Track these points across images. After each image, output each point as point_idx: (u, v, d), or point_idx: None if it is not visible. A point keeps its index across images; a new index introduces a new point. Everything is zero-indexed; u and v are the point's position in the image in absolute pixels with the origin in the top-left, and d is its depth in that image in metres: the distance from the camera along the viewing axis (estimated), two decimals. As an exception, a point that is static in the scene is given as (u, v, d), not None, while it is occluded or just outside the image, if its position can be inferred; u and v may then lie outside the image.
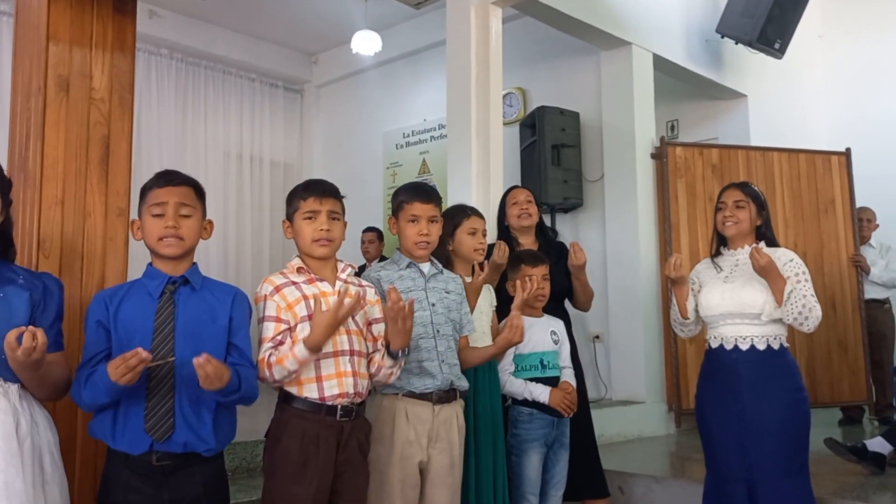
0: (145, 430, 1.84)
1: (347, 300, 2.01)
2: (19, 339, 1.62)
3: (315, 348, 2.03)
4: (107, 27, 2.69)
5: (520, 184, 5.61)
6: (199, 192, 2.05)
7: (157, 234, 1.95)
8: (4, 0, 5.42)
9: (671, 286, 2.95)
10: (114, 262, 2.61)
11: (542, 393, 2.83)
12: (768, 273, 2.68)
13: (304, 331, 2.12)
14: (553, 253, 3.33)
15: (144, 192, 2.02)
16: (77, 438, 2.23)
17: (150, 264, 2.02)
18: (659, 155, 5.35)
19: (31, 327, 1.63)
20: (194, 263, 2.04)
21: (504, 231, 3.43)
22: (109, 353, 1.87)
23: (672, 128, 6.32)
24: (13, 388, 1.73)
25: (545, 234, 3.52)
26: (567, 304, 3.44)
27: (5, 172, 1.84)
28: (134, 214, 2.67)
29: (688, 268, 2.89)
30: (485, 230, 2.86)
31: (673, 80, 5.84)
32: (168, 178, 2.01)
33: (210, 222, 2.08)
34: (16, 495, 1.63)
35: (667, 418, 5.13)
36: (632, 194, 5.25)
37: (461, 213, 2.83)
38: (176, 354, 1.88)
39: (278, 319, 2.13)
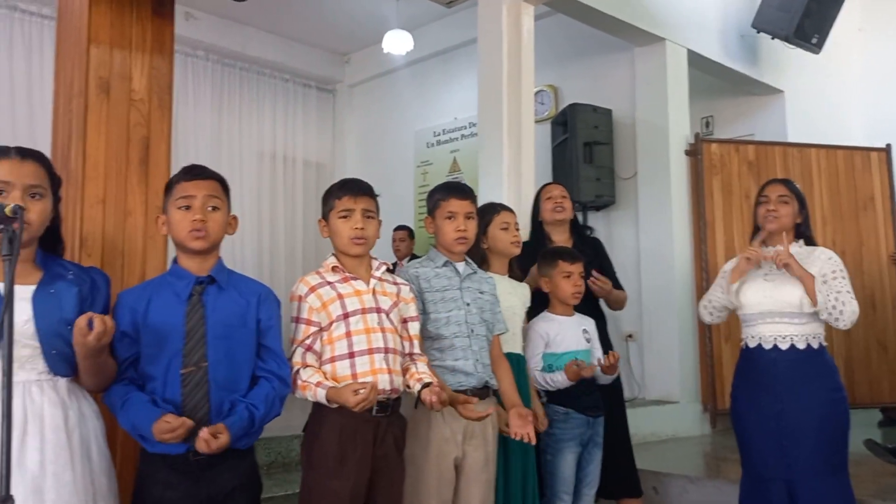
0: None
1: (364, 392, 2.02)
2: (90, 324, 1.65)
3: (331, 402, 2.08)
4: (146, 29, 2.75)
5: (551, 181, 5.63)
6: (225, 187, 2.06)
7: (186, 228, 1.95)
8: (47, 4, 5.54)
9: (728, 270, 2.89)
10: (153, 260, 2.67)
11: (559, 378, 2.81)
12: (792, 270, 2.66)
13: (338, 329, 2.14)
14: (587, 249, 3.31)
15: (171, 186, 2.02)
16: (118, 434, 2.28)
17: (175, 261, 2.03)
18: (694, 152, 5.29)
19: (100, 315, 1.66)
20: (219, 259, 2.04)
21: (538, 227, 3.43)
22: (137, 358, 1.89)
23: (707, 124, 6.24)
24: (62, 381, 1.77)
25: (579, 231, 3.50)
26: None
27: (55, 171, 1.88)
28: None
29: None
30: (517, 224, 2.87)
31: (708, 76, 5.77)
32: (195, 173, 2.01)
33: (235, 217, 2.08)
34: (65, 487, 1.68)
35: (701, 418, 5.07)
36: (666, 192, 5.20)
37: (491, 210, 2.85)
38: (208, 358, 1.88)
39: (309, 322, 2.16)
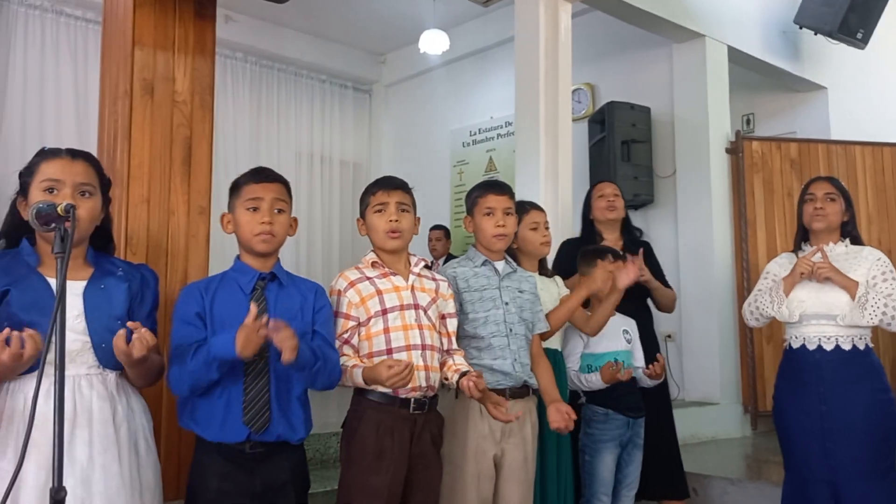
0: (244, 422, 1.90)
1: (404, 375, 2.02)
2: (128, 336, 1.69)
3: (368, 383, 2.09)
4: (188, 32, 2.79)
5: (588, 180, 5.59)
6: (289, 190, 2.12)
7: (253, 230, 2.00)
8: (91, 8, 5.66)
9: (772, 273, 2.85)
10: (196, 259, 2.72)
11: (593, 379, 2.80)
12: (834, 282, 2.60)
13: (376, 325, 2.16)
14: (637, 250, 3.26)
15: (238, 186, 2.07)
16: (162, 429, 2.32)
17: (238, 258, 2.08)
18: (734, 150, 5.21)
19: (139, 329, 1.70)
20: (279, 259, 2.10)
21: (589, 225, 3.39)
22: (203, 343, 1.92)
23: (748, 122, 6.14)
24: (111, 375, 1.81)
25: (630, 231, 3.45)
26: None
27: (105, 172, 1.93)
28: (215, 212, 2.79)
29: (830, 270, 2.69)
30: (546, 223, 2.85)
31: (749, 73, 5.68)
32: (264, 175, 2.07)
33: (295, 219, 2.13)
34: (112, 478, 1.71)
35: (742, 420, 5.00)
36: (705, 190, 5.13)
37: (520, 210, 2.78)
38: (269, 350, 1.92)
39: (347, 316, 2.18)
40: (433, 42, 6.22)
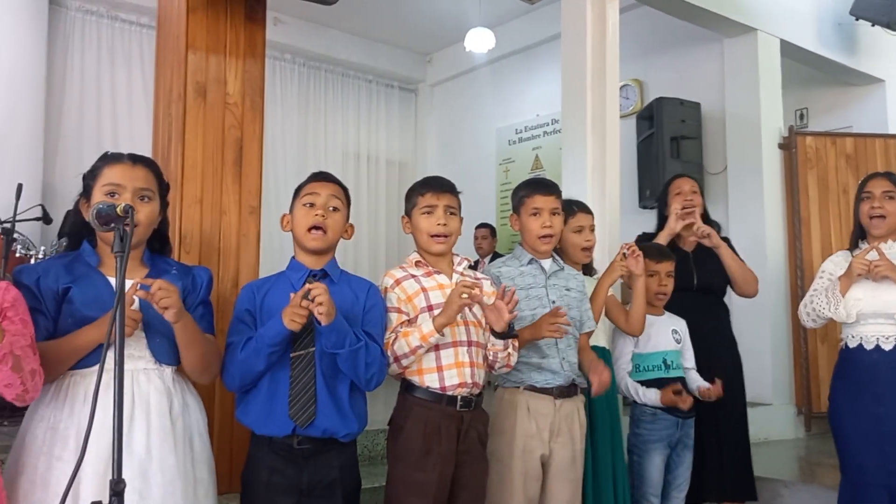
0: (289, 416, 1.94)
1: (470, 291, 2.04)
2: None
3: (440, 328, 2.08)
4: (239, 35, 2.85)
5: (637, 178, 5.53)
6: (347, 195, 2.16)
7: (307, 224, 2.05)
8: (146, 13, 5.81)
9: (828, 272, 2.78)
10: (246, 258, 2.77)
11: (652, 398, 2.76)
12: (893, 280, 2.53)
13: (423, 321, 2.16)
14: (711, 247, 3.19)
15: (300, 188, 2.14)
16: (215, 424, 2.37)
17: (294, 258, 2.13)
18: (787, 145, 5.10)
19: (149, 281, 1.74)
20: (334, 258, 2.14)
21: (663, 221, 3.31)
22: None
23: (801, 116, 5.99)
24: (167, 371, 1.86)
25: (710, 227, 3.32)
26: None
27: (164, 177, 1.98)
28: (264, 212, 2.85)
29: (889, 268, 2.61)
30: (592, 226, 2.79)
31: (802, 67, 5.55)
32: (323, 176, 2.15)
33: (351, 225, 2.17)
34: (168, 470, 1.76)
35: (796, 421, 4.89)
36: (757, 187, 5.03)
37: (566, 210, 2.71)
38: (315, 343, 1.97)
39: (399, 310, 2.19)
40: (479, 40, 6.22)
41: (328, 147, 7.05)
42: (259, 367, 1.94)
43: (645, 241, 3.17)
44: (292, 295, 1.89)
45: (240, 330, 2.00)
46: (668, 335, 2.88)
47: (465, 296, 2.02)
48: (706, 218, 3.34)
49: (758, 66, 5.09)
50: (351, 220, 2.18)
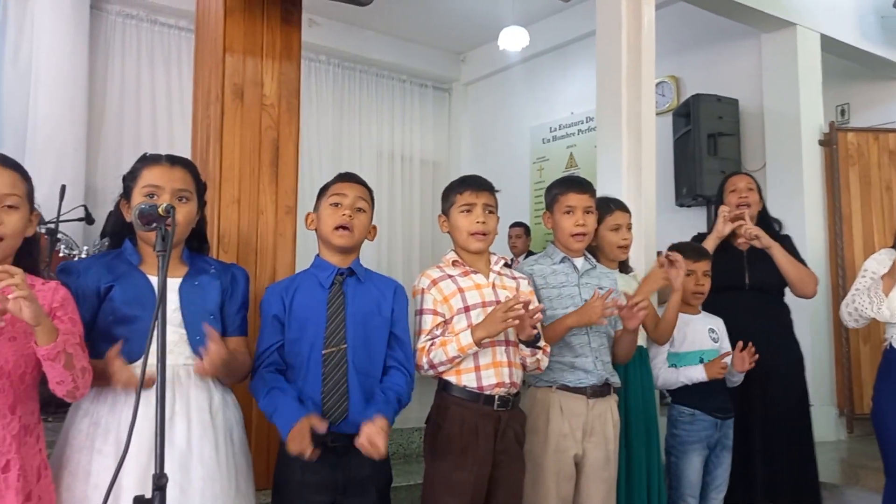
0: (322, 412, 1.96)
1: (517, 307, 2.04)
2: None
3: (479, 341, 2.09)
4: (275, 37, 2.88)
5: (673, 175, 5.47)
6: (372, 197, 2.19)
7: (333, 223, 2.08)
8: (184, 17, 5.90)
9: (871, 272, 2.72)
10: (283, 257, 2.81)
11: (697, 372, 2.72)
12: None
13: (459, 322, 2.17)
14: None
15: (326, 187, 2.17)
16: (252, 421, 2.41)
17: (318, 255, 2.15)
18: (828, 142, 5.00)
19: (210, 349, 1.78)
20: (358, 257, 2.16)
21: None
22: (283, 344, 2.02)
23: (842, 112, 5.87)
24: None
25: (768, 225, 3.28)
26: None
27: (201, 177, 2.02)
28: (300, 212, 2.87)
29: None
30: (629, 224, 2.76)
31: (843, 61, 5.43)
32: (350, 177, 2.17)
33: (375, 227, 2.20)
34: (208, 463, 1.80)
35: (837, 423, 4.79)
36: (797, 184, 4.93)
37: (604, 208, 2.71)
38: (347, 341, 2.00)
39: (435, 312, 2.20)
40: (513, 39, 6.20)
41: (362, 147, 7.10)
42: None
43: (698, 241, 3.14)
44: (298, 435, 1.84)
45: (267, 337, 2.03)
46: (704, 334, 2.85)
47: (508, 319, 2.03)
48: (765, 215, 3.28)
49: (797, 62, 4.99)
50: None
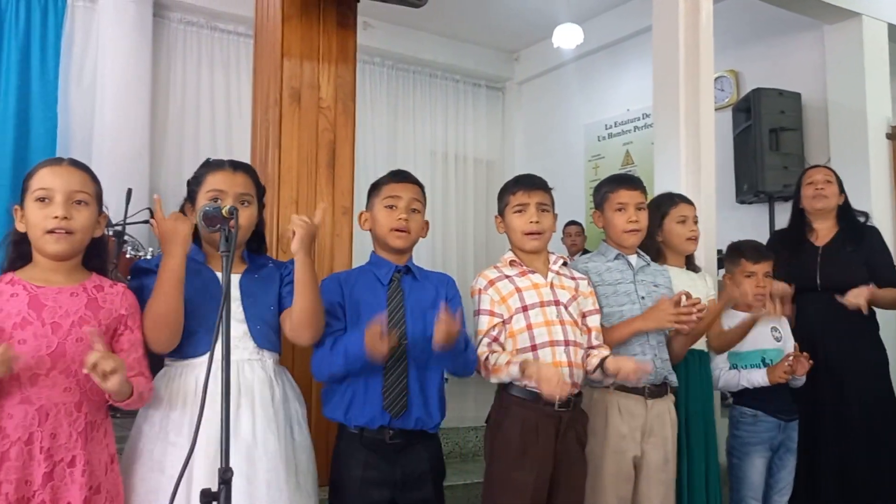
0: (383, 407, 1.99)
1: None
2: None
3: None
4: (331, 41, 2.93)
5: (733, 171, 5.35)
6: (424, 193, 2.21)
7: (390, 226, 2.11)
8: (242, 23, 6.03)
9: None
10: (340, 257, 2.85)
11: (759, 376, 2.67)
12: None
13: (518, 322, 2.18)
14: (857, 239, 3.08)
15: (378, 186, 2.19)
16: (312, 417, 2.45)
17: (374, 253, 2.19)
18: (896, 135, 4.82)
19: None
20: (411, 256, 2.19)
21: (798, 215, 3.22)
22: (345, 329, 2.05)
23: (912, 104, 5.65)
24: (269, 361, 1.96)
25: (849, 219, 3.20)
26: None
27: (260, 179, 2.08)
28: (356, 212, 2.91)
29: None
30: (696, 217, 2.73)
31: (913, 51, 5.23)
32: (403, 177, 2.19)
33: (427, 223, 2.22)
34: (273, 456, 1.85)
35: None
36: (864, 179, 4.77)
37: (668, 201, 2.71)
38: (407, 337, 2.03)
39: (492, 313, 2.20)
40: (567, 36, 6.16)
41: (416, 147, 7.14)
42: (350, 371, 1.99)
43: (778, 238, 3.06)
44: (371, 332, 1.87)
45: (328, 322, 2.05)
46: (766, 333, 2.78)
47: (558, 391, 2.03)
48: (847, 209, 3.19)
49: (863, 53, 4.83)
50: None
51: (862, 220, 3.20)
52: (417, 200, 2.15)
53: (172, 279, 1.80)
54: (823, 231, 3.10)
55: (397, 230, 2.10)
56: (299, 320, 1.91)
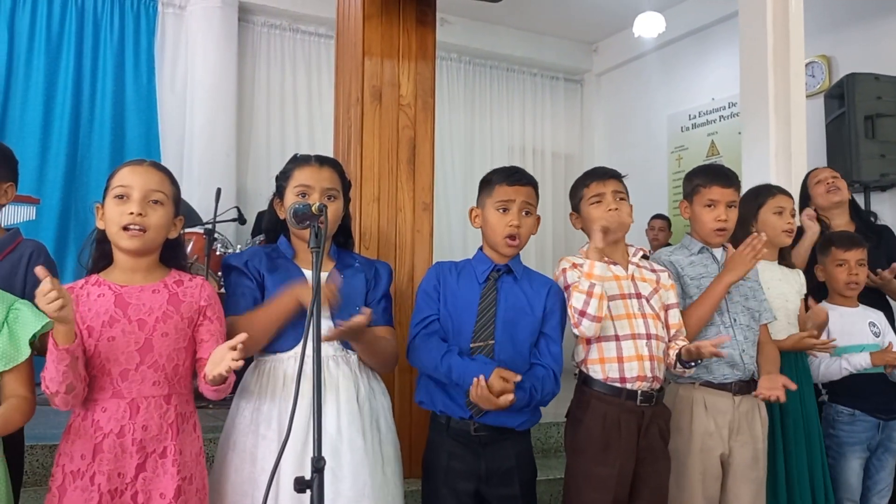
0: (468, 403, 1.99)
1: None
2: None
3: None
4: (411, 39, 2.96)
5: (825, 160, 5.13)
6: (537, 191, 2.18)
7: (503, 233, 2.09)
8: (323, 24, 6.16)
9: None
10: (421, 252, 2.88)
11: (862, 358, 2.56)
12: None
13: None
14: (872, 236, 2.99)
15: (490, 184, 2.15)
16: (395, 412, 2.49)
17: (481, 249, 2.19)
18: None
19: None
20: (518, 254, 2.17)
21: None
22: (438, 318, 2.06)
23: None
24: (353, 357, 2.00)
25: (861, 215, 3.18)
26: None
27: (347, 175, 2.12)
28: (437, 209, 2.94)
29: None
30: (793, 210, 2.65)
31: None
32: (516, 178, 2.13)
33: (538, 217, 2.19)
34: (357, 451, 1.88)
35: None
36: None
37: (766, 192, 2.64)
38: (495, 338, 2.02)
39: (577, 287, 2.11)
40: (648, 25, 6.02)
41: (494, 142, 7.12)
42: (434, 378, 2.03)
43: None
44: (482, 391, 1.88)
45: (426, 305, 2.08)
46: (864, 328, 2.68)
47: None
48: (857, 207, 3.14)
49: (969, 32, 4.55)
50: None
51: (872, 218, 3.11)
52: (530, 203, 2.12)
53: (284, 317, 1.89)
54: (842, 226, 3.04)
55: (509, 238, 2.08)
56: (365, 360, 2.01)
